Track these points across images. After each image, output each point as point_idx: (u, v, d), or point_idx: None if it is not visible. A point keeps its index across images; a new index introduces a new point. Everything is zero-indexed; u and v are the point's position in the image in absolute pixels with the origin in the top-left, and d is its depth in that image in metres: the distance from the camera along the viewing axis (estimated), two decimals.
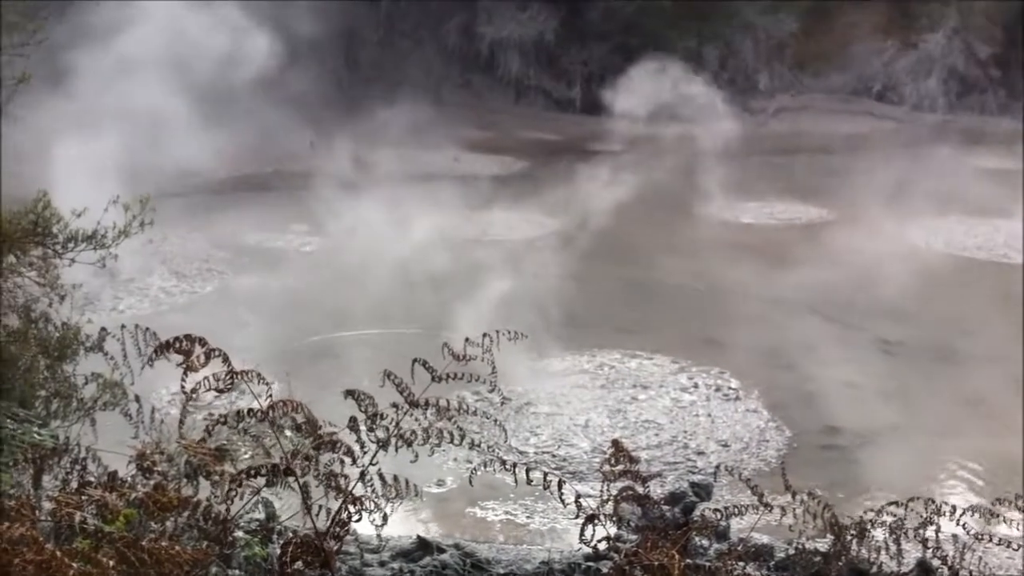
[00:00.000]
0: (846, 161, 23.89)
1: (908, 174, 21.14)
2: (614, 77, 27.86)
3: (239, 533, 4.20)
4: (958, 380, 11.52)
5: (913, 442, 9.98)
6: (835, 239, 17.35)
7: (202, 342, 4.27)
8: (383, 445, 4.28)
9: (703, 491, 8.23)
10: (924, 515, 4.81)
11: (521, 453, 9.37)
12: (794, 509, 4.80)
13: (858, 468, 9.46)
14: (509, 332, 4.71)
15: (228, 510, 4.02)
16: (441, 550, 6.99)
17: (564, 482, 4.44)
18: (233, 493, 4.04)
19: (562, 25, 28.08)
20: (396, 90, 25.27)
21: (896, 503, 4.87)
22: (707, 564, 4.38)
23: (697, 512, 7.02)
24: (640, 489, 4.59)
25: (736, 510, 4.70)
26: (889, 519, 4.83)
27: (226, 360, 4.28)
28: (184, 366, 4.23)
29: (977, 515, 4.82)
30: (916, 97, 28.55)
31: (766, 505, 4.72)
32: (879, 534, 4.86)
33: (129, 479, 4.13)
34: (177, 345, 4.28)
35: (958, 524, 4.82)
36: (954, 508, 4.83)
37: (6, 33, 6.90)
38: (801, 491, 4.87)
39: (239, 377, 4.26)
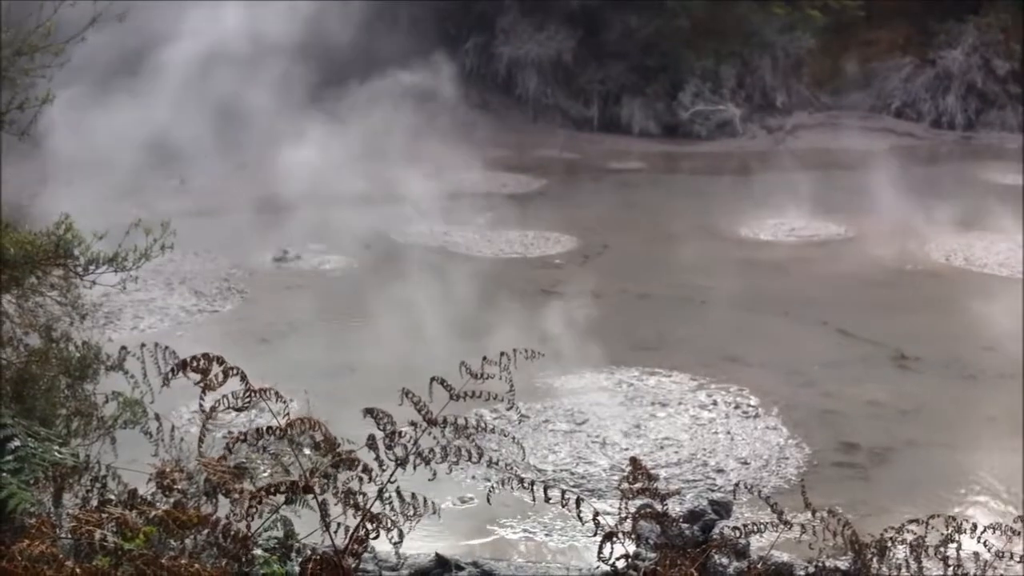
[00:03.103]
0: (865, 178, 23.80)
1: (927, 191, 21.06)
2: (631, 96, 27.99)
3: (258, 551, 4.21)
4: (979, 397, 11.45)
5: (934, 459, 9.92)
6: (854, 256, 17.29)
7: (220, 360, 4.28)
8: (401, 463, 4.29)
9: (722, 509, 8.18)
10: (945, 533, 4.78)
11: (539, 471, 9.36)
12: (814, 527, 4.78)
13: (878, 485, 9.41)
14: (526, 351, 4.72)
15: (247, 528, 4.03)
16: (460, 567, 6.99)
17: (582, 500, 4.44)
18: (252, 511, 4.05)
19: (580, 45, 28.13)
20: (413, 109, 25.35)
21: (917, 521, 4.84)
22: None
23: (716, 530, 6.99)
24: (659, 507, 4.59)
25: (756, 528, 4.69)
26: (910, 537, 4.80)
27: (244, 378, 4.30)
28: (202, 385, 4.24)
29: (999, 532, 4.79)
30: (935, 114, 28.45)
31: (786, 523, 4.71)
32: (900, 552, 4.84)
33: (149, 497, 4.15)
34: (194, 364, 4.29)
35: (979, 542, 4.79)
36: (975, 526, 4.81)
37: (27, 56, 6.97)
38: (821, 509, 4.85)
39: (257, 395, 4.27)
